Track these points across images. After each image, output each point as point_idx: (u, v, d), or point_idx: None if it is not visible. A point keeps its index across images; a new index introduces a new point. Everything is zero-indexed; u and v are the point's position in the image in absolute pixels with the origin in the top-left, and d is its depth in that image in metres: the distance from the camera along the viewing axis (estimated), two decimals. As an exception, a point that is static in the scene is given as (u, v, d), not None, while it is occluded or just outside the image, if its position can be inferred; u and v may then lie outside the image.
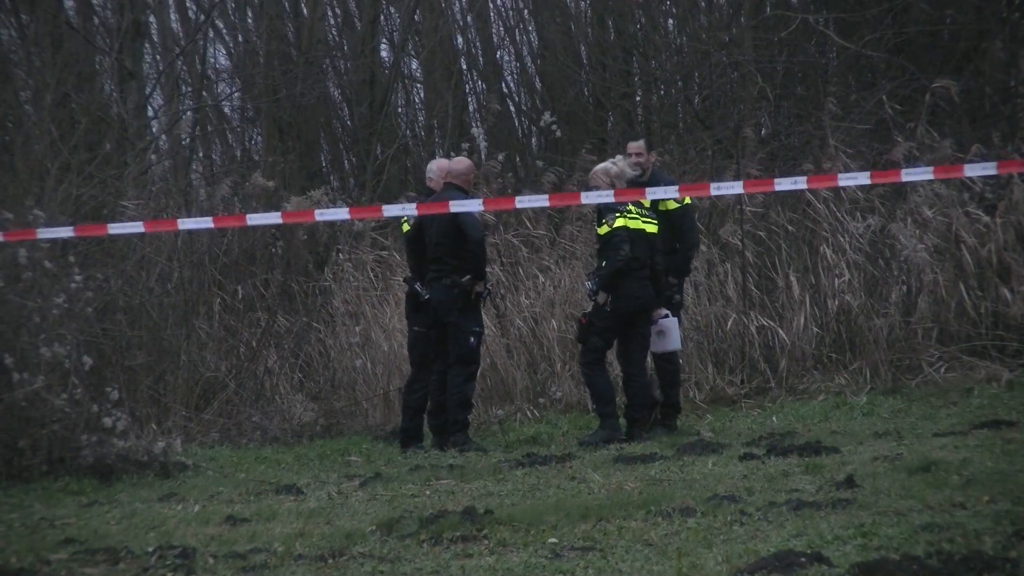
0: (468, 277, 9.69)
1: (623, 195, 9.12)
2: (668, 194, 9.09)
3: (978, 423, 8.59)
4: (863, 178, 8.95)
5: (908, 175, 8.97)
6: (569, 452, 8.98)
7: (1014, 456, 7.09)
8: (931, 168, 9.65)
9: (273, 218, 10.36)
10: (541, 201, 8.92)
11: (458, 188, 9.81)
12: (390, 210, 9.44)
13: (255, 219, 9.92)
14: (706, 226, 12.48)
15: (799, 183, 8.60)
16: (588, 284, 9.62)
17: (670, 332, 9.60)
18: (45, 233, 8.82)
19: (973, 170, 8.76)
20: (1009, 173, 11.59)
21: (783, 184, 8.46)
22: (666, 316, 9.58)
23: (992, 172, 9.14)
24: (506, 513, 6.40)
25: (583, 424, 10.57)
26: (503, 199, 9.27)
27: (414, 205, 10.20)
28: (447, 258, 9.73)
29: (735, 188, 8.80)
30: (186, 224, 9.43)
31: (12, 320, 8.95)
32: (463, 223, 9.63)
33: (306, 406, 11.59)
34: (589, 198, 9.04)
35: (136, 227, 9.28)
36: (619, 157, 9.81)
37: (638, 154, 9.82)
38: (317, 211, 9.26)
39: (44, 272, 9.21)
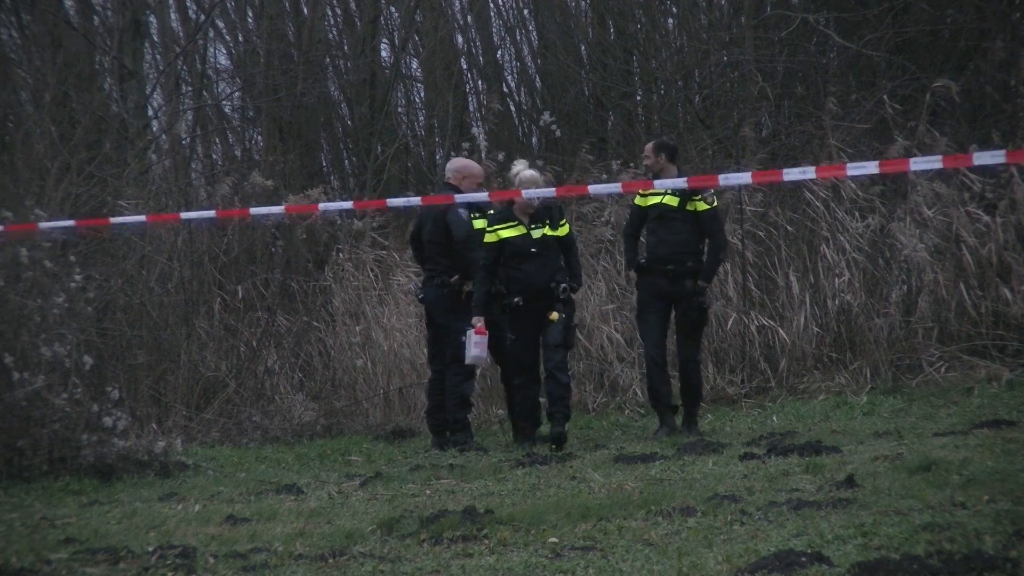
0: (456, 277, 9.74)
1: (631, 187, 9.11)
2: (676, 184, 9.09)
3: (978, 422, 8.59)
4: (872, 167, 8.93)
5: (917, 164, 8.95)
6: (569, 452, 8.99)
7: (1014, 455, 7.09)
8: (940, 157, 9.61)
9: (277, 210, 10.39)
10: (547, 192, 8.90)
11: (453, 188, 9.86)
12: (395, 202, 9.49)
13: (259, 211, 9.95)
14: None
15: (808, 173, 8.58)
16: (564, 285, 9.44)
17: (471, 344, 9.43)
18: (47, 225, 8.84)
19: (983, 159, 8.75)
20: (1009, 172, 11.60)
21: (791, 175, 8.44)
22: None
23: (1001, 161, 9.13)
24: (506, 513, 6.40)
25: (583, 423, 10.58)
26: (509, 191, 9.29)
27: (419, 198, 10.24)
28: (438, 258, 9.82)
29: (744, 179, 8.79)
30: (189, 216, 9.44)
31: (12, 319, 8.96)
32: (449, 222, 9.72)
33: (306, 406, 11.59)
34: (598, 190, 9.06)
35: (139, 219, 9.29)
36: (523, 162, 9.84)
37: (646, 156, 9.82)
38: (321, 204, 9.28)
39: (44, 272, 9.21)
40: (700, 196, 9.59)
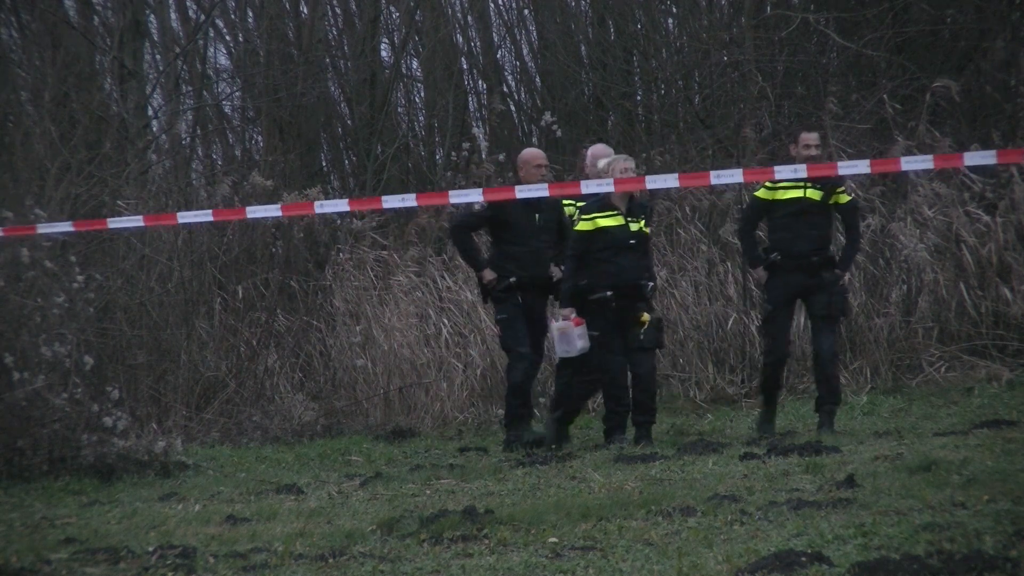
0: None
1: (623, 183, 8.92)
2: (667, 183, 9.00)
3: (979, 422, 8.60)
4: (863, 166, 8.94)
5: (908, 163, 8.96)
6: (569, 452, 8.98)
7: (1015, 455, 7.09)
8: (931, 157, 9.64)
9: (272, 211, 10.40)
10: (541, 191, 8.81)
11: (518, 179, 9.71)
12: (389, 201, 9.42)
13: (255, 212, 9.96)
14: (706, 226, 12.48)
15: (799, 171, 8.57)
16: (652, 284, 9.20)
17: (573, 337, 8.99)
18: (45, 228, 8.85)
19: (973, 159, 8.77)
20: (1009, 172, 11.61)
21: (783, 172, 8.44)
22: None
23: (992, 161, 9.15)
24: (507, 513, 6.40)
25: (583, 423, 10.57)
26: (503, 188, 9.20)
27: (414, 196, 10.16)
28: None
29: (735, 176, 8.77)
30: (185, 217, 9.46)
31: (13, 319, 8.96)
32: None
33: (306, 405, 11.59)
34: (588, 187, 8.94)
35: (136, 220, 9.31)
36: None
37: (816, 146, 9.27)
38: (317, 204, 9.28)
39: (45, 272, 9.22)
40: (843, 188, 9.23)
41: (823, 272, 9.14)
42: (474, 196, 9.19)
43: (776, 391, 9.41)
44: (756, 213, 9.40)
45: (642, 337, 9.02)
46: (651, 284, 9.12)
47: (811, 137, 9.25)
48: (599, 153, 9.64)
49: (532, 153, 9.76)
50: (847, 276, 9.56)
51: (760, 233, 9.67)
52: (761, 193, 9.26)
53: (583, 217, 8.96)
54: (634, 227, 9.00)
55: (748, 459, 7.81)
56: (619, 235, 8.94)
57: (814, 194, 9.07)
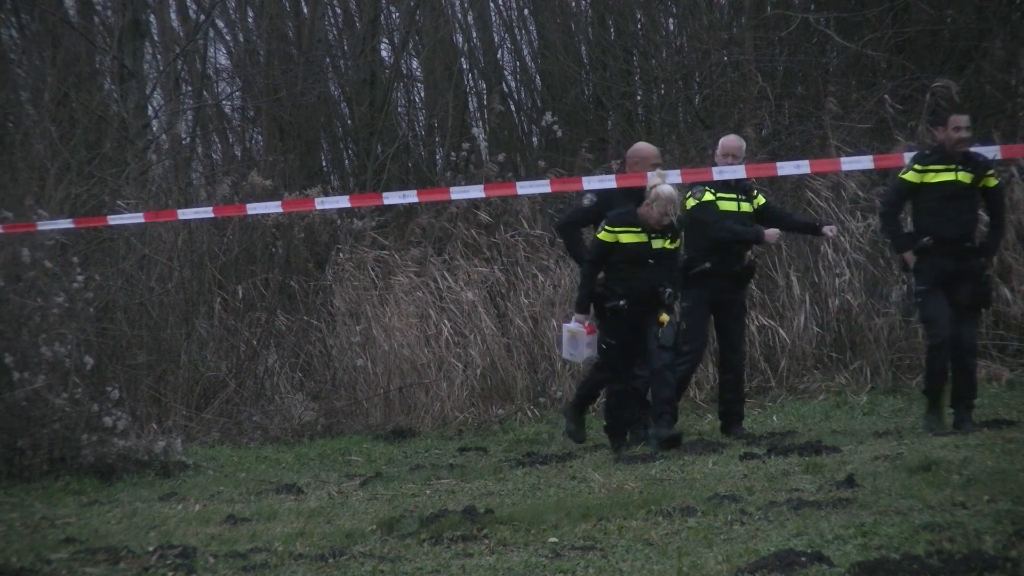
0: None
1: (626, 179, 8.86)
2: (671, 179, 8.96)
3: (979, 422, 8.59)
4: (866, 162, 8.88)
5: (910, 157, 8.93)
6: (569, 451, 8.98)
7: (1015, 455, 7.09)
8: (934, 150, 9.64)
9: (273, 207, 10.42)
10: (543, 187, 8.80)
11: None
12: (390, 197, 9.44)
13: (256, 208, 9.98)
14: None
15: (802, 167, 8.54)
16: (670, 291, 9.04)
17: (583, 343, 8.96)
18: (45, 225, 8.88)
19: (977, 153, 8.73)
20: (1009, 172, 11.61)
21: (785, 168, 8.43)
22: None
23: (996, 155, 9.10)
24: (507, 512, 6.40)
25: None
26: (504, 184, 9.19)
27: (415, 192, 10.15)
28: None
29: (738, 172, 8.71)
30: (186, 214, 9.50)
31: (13, 320, 8.97)
32: None
33: (306, 405, 11.60)
34: (590, 183, 8.89)
35: (136, 217, 9.35)
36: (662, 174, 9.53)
37: (967, 127, 8.78)
38: (317, 200, 9.32)
39: (45, 272, 9.22)
40: (992, 171, 8.87)
41: (972, 259, 8.80)
42: (475, 192, 9.18)
43: (943, 381, 8.88)
44: (902, 196, 8.96)
45: (659, 337, 8.92)
46: (669, 291, 8.98)
47: (962, 119, 8.81)
48: (731, 145, 9.40)
49: (649, 151, 9.48)
50: (992, 265, 9.18)
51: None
52: (909, 176, 8.80)
53: (606, 227, 8.92)
54: (657, 244, 8.93)
55: (748, 459, 7.81)
56: (637, 252, 8.89)
57: (964, 177, 8.71)
